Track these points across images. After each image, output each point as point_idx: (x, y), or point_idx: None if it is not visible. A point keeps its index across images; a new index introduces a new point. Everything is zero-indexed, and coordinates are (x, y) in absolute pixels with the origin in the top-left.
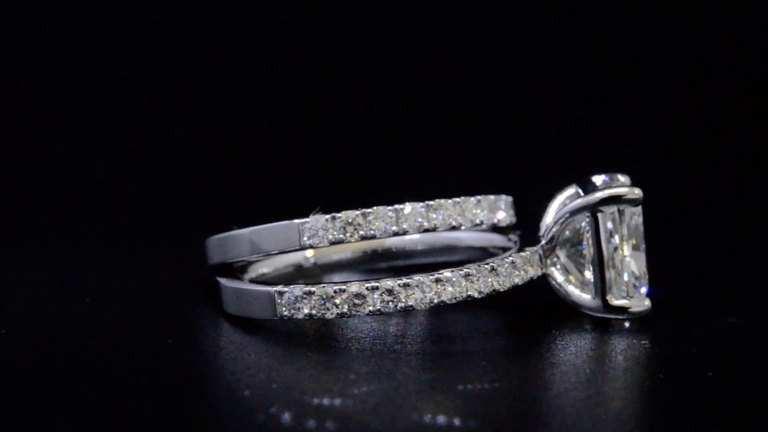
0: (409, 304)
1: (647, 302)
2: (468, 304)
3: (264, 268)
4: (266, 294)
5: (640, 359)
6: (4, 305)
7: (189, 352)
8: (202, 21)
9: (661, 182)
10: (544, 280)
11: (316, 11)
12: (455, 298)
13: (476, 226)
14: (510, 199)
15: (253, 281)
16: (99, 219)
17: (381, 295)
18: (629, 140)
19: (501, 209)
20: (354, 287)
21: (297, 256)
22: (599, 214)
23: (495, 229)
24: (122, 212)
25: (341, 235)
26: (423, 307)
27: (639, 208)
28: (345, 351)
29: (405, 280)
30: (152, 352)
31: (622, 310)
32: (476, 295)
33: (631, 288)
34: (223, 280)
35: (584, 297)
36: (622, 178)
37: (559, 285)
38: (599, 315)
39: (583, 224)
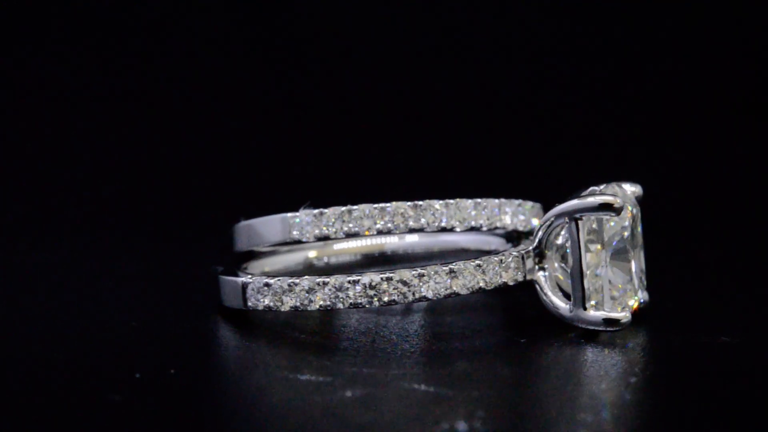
0: (358, 301)
1: (627, 314)
2: (469, 305)
3: (268, 266)
4: (237, 284)
5: (612, 372)
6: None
7: (173, 343)
8: (204, 22)
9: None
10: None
11: (319, 10)
12: (406, 299)
13: (473, 229)
14: (529, 204)
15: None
16: (103, 214)
17: (331, 290)
18: (665, 147)
19: (509, 213)
20: (305, 282)
21: (303, 257)
22: (580, 222)
23: (516, 233)
24: (130, 207)
25: (326, 231)
26: (374, 306)
27: (628, 218)
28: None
29: (355, 277)
30: (145, 344)
31: (600, 321)
32: (431, 295)
33: (612, 299)
34: (221, 273)
35: (564, 306)
36: (632, 188)
37: (544, 293)
38: (579, 325)
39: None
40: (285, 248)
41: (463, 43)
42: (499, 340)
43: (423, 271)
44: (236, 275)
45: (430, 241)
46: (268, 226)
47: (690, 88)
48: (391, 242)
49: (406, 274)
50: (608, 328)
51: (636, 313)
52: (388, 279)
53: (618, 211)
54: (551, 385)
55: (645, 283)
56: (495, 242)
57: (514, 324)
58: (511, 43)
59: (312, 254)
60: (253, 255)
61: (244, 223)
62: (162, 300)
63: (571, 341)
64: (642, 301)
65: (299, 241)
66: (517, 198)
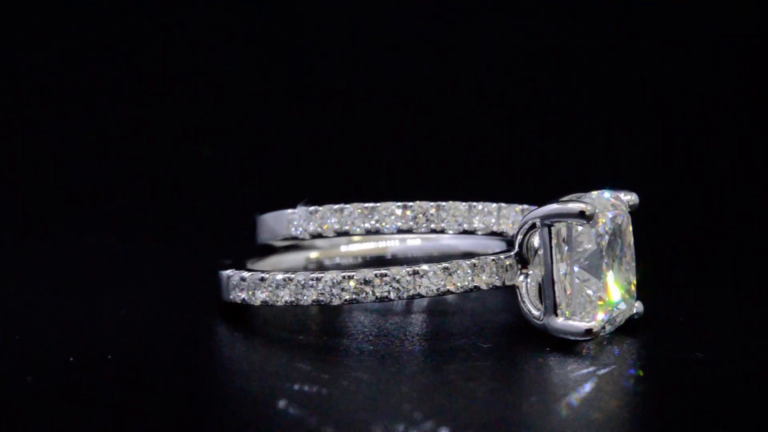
0: (320, 299)
1: (598, 324)
2: (472, 306)
3: (275, 263)
4: (223, 278)
5: (574, 382)
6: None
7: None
8: (204, 20)
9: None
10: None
11: (317, 10)
12: (368, 298)
13: (467, 233)
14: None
15: None
16: (104, 212)
17: (296, 287)
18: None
19: (509, 218)
20: (274, 278)
21: (307, 257)
22: (553, 228)
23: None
24: (134, 205)
25: (319, 229)
26: (336, 303)
27: (603, 226)
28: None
29: (318, 274)
30: (148, 342)
31: (570, 330)
32: (393, 296)
33: (585, 308)
34: (224, 266)
35: (537, 314)
36: (627, 196)
37: (522, 300)
38: (551, 334)
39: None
40: (305, 244)
41: (467, 44)
42: (463, 344)
43: (386, 271)
44: (232, 269)
45: (430, 245)
46: (275, 221)
47: (691, 90)
48: (393, 246)
49: (369, 273)
50: (579, 338)
51: (623, 325)
52: (350, 277)
53: (589, 218)
54: (492, 391)
55: (634, 294)
56: (497, 246)
57: (497, 329)
58: (515, 43)
59: (315, 255)
60: (274, 250)
61: (261, 217)
62: (164, 294)
63: (535, 349)
64: (635, 312)
65: (296, 238)
66: (521, 203)
